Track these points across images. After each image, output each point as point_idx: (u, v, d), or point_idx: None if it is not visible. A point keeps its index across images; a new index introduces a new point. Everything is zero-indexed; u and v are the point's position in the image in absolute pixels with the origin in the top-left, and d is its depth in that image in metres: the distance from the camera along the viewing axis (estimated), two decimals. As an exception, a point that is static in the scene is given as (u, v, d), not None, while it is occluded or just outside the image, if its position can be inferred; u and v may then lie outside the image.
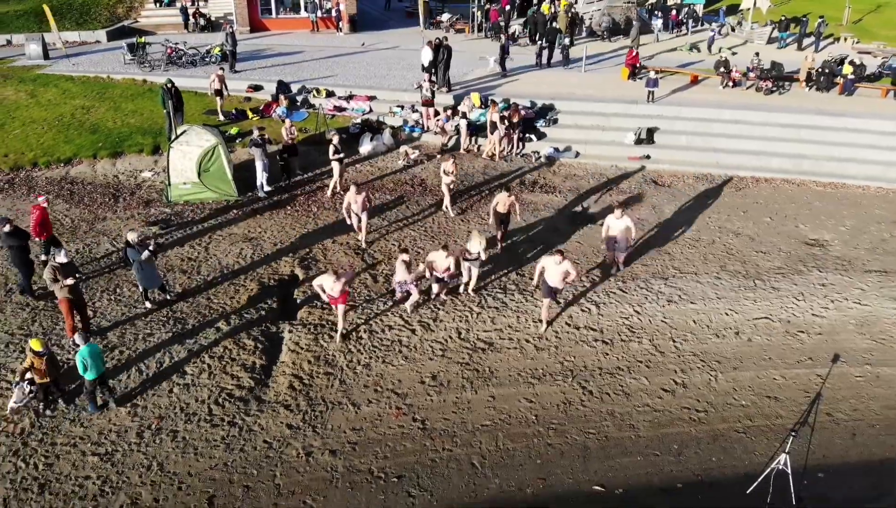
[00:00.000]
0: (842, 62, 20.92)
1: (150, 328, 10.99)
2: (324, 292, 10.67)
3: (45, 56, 23.84)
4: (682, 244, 13.92)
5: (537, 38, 24.74)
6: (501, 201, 13.22)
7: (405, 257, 11.33)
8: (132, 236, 10.87)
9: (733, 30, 28.78)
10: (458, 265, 11.64)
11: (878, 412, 10.04)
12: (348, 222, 13.85)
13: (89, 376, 9.08)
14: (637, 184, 16.52)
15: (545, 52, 23.23)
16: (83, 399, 9.39)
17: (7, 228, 11.01)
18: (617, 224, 12.36)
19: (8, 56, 24.68)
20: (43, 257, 12.10)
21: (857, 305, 12.12)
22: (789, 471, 8.36)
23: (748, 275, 12.86)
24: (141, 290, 11.38)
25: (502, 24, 27.95)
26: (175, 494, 8.41)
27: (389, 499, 8.44)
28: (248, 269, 12.73)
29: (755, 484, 8.59)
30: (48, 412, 9.34)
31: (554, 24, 24.53)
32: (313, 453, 9.00)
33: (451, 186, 14.85)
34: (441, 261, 11.39)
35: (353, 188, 13.28)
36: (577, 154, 17.84)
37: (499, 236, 13.70)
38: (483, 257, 11.77)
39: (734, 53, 24.39)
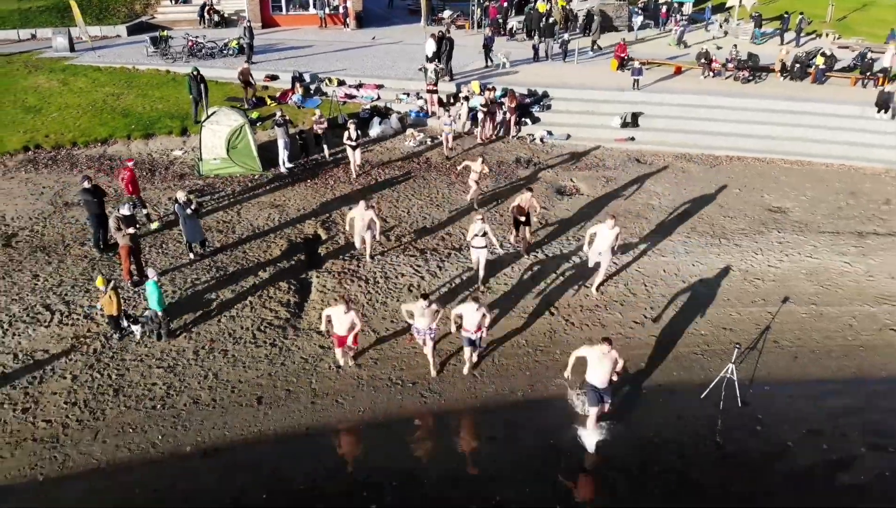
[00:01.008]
0: (816, 55, 23.07)
1: (197, 275, 13.08)
2: (330, 325, 10.48)
3: (71, 48, 25.93)
4: (658, 211, 16.03)
5: (534, 34, 26.93)
6: (523, 200, 13.61)
7: (424, 302, 10.37)
8: (181, 195, 12.97)
9: (720, 27, 30.92)
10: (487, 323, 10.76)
11: (819, 341, 12.14)
12: (351, 239, 13.78)
13: (155, 307, 11.14)
14: (621, 162, 18.64)
15: (542, 47, 25.38)
16: (148, 326, 11.44)
17: (86, 183, 13.09)
18: (609, 234, 12.41)
19: (35, 48, 26.80)
20: (147, 211, 14.66)
21: (809, 258, 14.24)
22: (735, 379, 10.45)
23: (715, 235, 14.98)
24: (185, 243, 13.47)
25: (501, 21, 30.19)
26: (229, 396, 10.48)
27: (406, 399, 10.53)
28: (277, 229, 14.81)
29: (708, 390, 10.67)
30: (116, 338, 11.39)
31: (550, 20, 26.72)
32: (342, 366, 11.06)
33: (479, 184, 15.78)
34: (471, 316, 10.39)
35: (361, 204, 13.15)
36: (569, 136, 19.96)
37: (518, 236, 14.10)
38: (495, 242, 12.67)
39: (719, 48, 26.53)
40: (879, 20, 33.85)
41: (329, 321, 10.55)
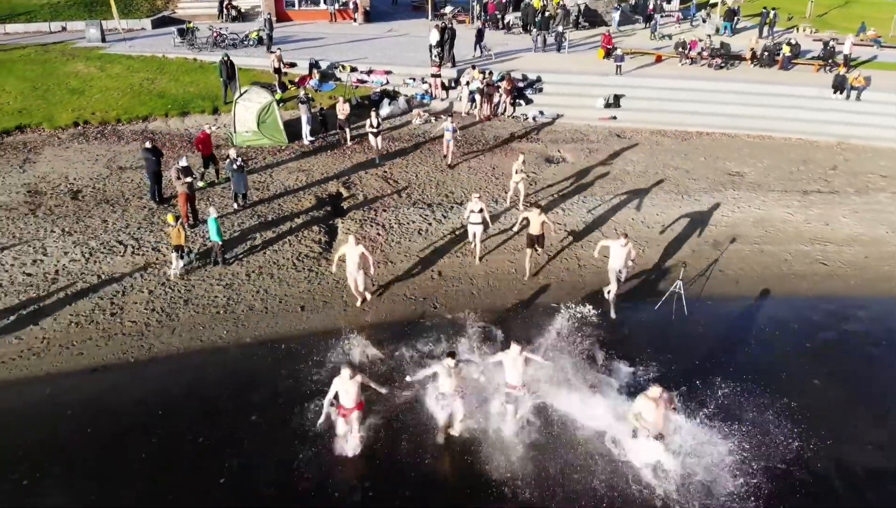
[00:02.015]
0: (783, 44, 26.12)
1: (241, 221, 16.05)
2: (336, 405, 9.78)
3: (103, 39, 28.98)
4: (632, 175, 19.01)
5: (530, 27, 29.99)
6: (533, 220, 13.96)
7: (450, 361, 9.76)
8: (232, 153, 16.00)
9: (704, 22, 34.01)
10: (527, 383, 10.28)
11: (758, 271, 15.09)
12: (348, 282, 13.33)
13: (214, 238, 14.10)
14: (603, 137, 21.65)
15: (538, 39, 28.42)
16: (209, 255, 14.37)
17: (147, 144, 16.07)
18: (620, 252, 12.98)
19: (67, 39, 29.81)
20: (202, 170, 17.66)
21: (757, 210, 17.24)
22: (683, 294, 13.38)
23: (679, 193, 17.98)
24: (232, 193, 16.44)
25: (499, 16, 33.28)
26: (277, 305, 13.44)
27: (418, 309, 13.50)
28: (304, 188, 17.78)
29: (660, 303, 13.61)
30: (182, 264, 14.31)
31: (546, 14, 29.81)
32: (367, 286, 14.02)
33: (521, 184, 16.65)
34: (513, 367, 9.97)
35: (350, 239, 12.93)
36: (557, 115, 22.98)
37: (531, 266, 14.46)
38: (488, 219, 14.48)
39: (700, 41, 29.56)
40: (858, 16, 36.95)
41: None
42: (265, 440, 10.29)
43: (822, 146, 21.26)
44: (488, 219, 14.91)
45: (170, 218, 14.18)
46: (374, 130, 19.43)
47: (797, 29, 34.12)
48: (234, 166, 15.88)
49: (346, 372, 9.62)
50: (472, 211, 14.49)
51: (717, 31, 31.35)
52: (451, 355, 9.91)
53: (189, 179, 15.26)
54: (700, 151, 20.60)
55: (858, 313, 13.86)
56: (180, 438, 10.33)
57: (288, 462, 9.89)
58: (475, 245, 15.00)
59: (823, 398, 11.44)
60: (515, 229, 16.01)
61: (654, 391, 9.47)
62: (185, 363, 12.04)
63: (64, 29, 31.95)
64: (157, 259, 14.53)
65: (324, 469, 9.81)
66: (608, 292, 13.57)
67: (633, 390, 11.00)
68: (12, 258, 14.37)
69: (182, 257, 14.12)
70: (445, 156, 19.44)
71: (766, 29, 31.64)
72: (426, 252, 15.26)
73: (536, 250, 14.45)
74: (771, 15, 30.99)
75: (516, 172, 16.57)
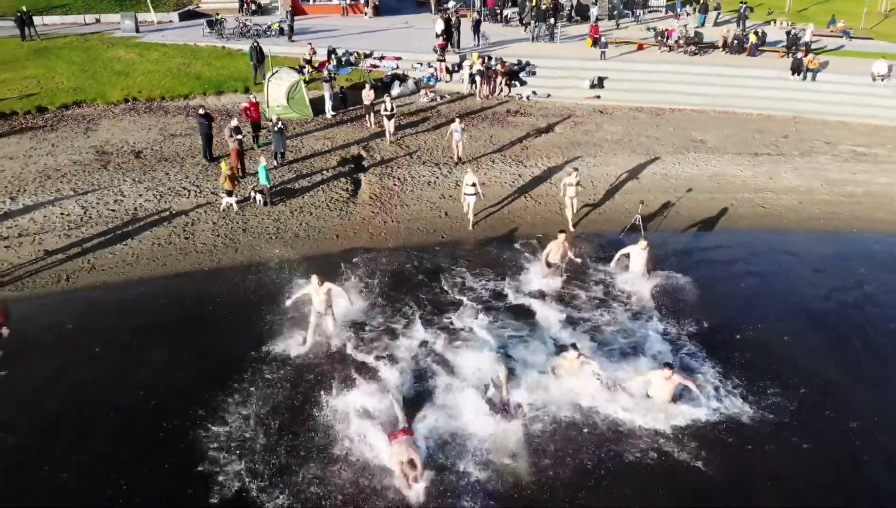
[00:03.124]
0: (750, 32, 30.06)
1: (282, 174, 19.90)
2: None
3: (137, 30, 32.95)
4: (609, 141, 22.90)
5: (526, 21, 33.94)
6: (554, 248, 14.89)
7: (501, 375, 11.08)
8: (274, 117, 19.85)
9: (687, 14, 37.96)
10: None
11: (708, 212, 18.92)
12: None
13: (264, 182, 17.92)
14: (588, 112, 25.53)
15: (534, 31, 32.36)
16: (259, 196, 18.20)
17: (201, 110, 19.96)
18: (641, 256, 14.27)
19: (103, 30, 33.79)
20: (254, 134, 21.51)
21: (712, 168, 21.11)
22: (640, 225, 17.19)
23: (647, 154, 21.85)
24: (272, 152, 20.30)
25: (498, 10, 37.23)
26: (316, 234, 17.29)
27: (427, 236, 17.40)
28: (331, 151, 21.65)
29: (624, 230, 17.41)
30: (234, 201, 18.11)
31: (541, 7, 33.77)
32: (387, 222, 17.88)
33: (574, 200, 17.70)
34: (570, 370, 11.77)
35: (314, 280, 13.00)
36: (548, 95, 26.85)
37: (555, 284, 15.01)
38: (480, 191, 17.30)
39: (676, 30, 33.48)
40: (835, 10, 40.88)
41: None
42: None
43: (778, 119, 25.14)
44: (481, 191, 17.94)
45: (223, 165, 18.02)
46: (388, 114, 22.89)
47: (774, 22, 38.07)
48: (276, 128, 19.74)
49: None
50: (466, 184, 17.55)
51: (696, 23, 35.26)
52: (496, 384, 11.57)
53: (240, 137, 19.11)
54: (670, 124, 24.48)
55: (787, 241, 17.73)
56: (248, 316, 14.09)
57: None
58: (469, 213, 17.92)
59: (745, 291, 15.34)
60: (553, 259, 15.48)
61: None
62: (247, 273, 15.85)
63: (98, 21, 35.95)
64: (215, 201, 18.36)
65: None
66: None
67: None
68: (96, 199, 18.23)
69: (233, 198, 17.99)
70: (454, 155, 21.33)
71: (742, 22, 35.60)
72: (435, 198, 19.10)
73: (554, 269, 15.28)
74: (742, 9, 34.94)
75: (569, 186, 17.57)
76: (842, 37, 34.90)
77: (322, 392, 11.97)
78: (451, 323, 13.90)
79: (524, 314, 14.29)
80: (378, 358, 12.81)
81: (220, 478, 10.29)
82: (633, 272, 15.11)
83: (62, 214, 17.53)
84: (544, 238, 16.88)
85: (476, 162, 20.84)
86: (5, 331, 12.60)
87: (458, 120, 21.31)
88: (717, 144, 22.90)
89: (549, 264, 15.05)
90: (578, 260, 15.38)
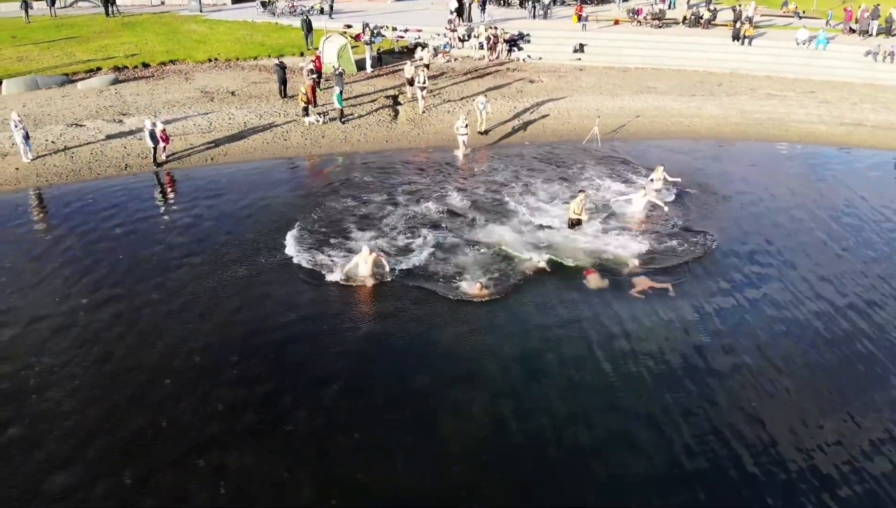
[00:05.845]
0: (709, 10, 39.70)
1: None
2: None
3: (200, 10, 42.71)
4: (583, 88, 32.44)
5: (524, 2, 43.63)
6: (575, 205, 18.83)
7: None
8: (336, 64, 29.40)
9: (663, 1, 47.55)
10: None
11: (649, 130, 28.38)
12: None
13: (338, 105, 27.45)
14: (570, 70, 35.13)
15: (531, 10, 41.99)
16: (334, 115, 27.68)
17: (277, 61, 29.60)
18: (642, 200, 20.52)
19: (170, 10, 43.56)
20: (315, 77, 30.74)
21: (657, 103, 30.61)
22: (597, 134, 26.61)
23: (611, 94, 31.39)
24: (336, 92, 29.85)
25: (501, -6, 46.97)
26: (371, 141, 26.88)
27: (448, 142, 26.75)
28: (373, 93, 31.19)
29: (585, 141, 26.84)
30: (309, 119, 27.56)
31: (536, -8, 43.45)
32: (420, 134, 27.35)
33: (658, 199, 20.98)
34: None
35: (364, 249, 16.79)
36: (540, 58, 36.46)
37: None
38: (468, 132, 28.01)
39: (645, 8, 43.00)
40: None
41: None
42: (377, 183, 23.58)
43: (718, 73, 34.70)
44: (490, 110, 27.79)
45: (300, 97, 27.56)
46: (421, 86, 32.28)
47: (738, 5, 47.66)
48: (337, 73, 29.29)
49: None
50: (459, 126, 26.68)
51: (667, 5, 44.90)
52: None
53: (314, 76, 28.68)
54: (632, 76, 34.04)
55: (698, 148, 27.11)
56: (337, 184, 23.49)
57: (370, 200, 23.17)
58: (460, 150, 27.17)
59: (662, 161, 24.69)
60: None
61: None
62: (327, 160, 25.31)
63: (163, 3, 45.77)
64: (298, 120, 27.86)
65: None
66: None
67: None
68: (215, 117, 27.76)
69: (308, 115, 27.49)
70: (480, 124, 27.76)
71: (708, 3, 45.21)
72: (452, 121, 28.56)
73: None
74: (711, -8, 44.57)
75: (653, 181, 22.22)
76: (793, 17, 44.47)
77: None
78: (460, 182, 23.39)
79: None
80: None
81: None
82: (634, 210, 20.78)
83: (195, 125, 27.07)
84: (528, 142, 26.31)
85: (485, 95, 30.30)
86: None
87: (483, 96, 28.25)
88: (666, 89, 32.41)
89: (572, 223, 19.31)
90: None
